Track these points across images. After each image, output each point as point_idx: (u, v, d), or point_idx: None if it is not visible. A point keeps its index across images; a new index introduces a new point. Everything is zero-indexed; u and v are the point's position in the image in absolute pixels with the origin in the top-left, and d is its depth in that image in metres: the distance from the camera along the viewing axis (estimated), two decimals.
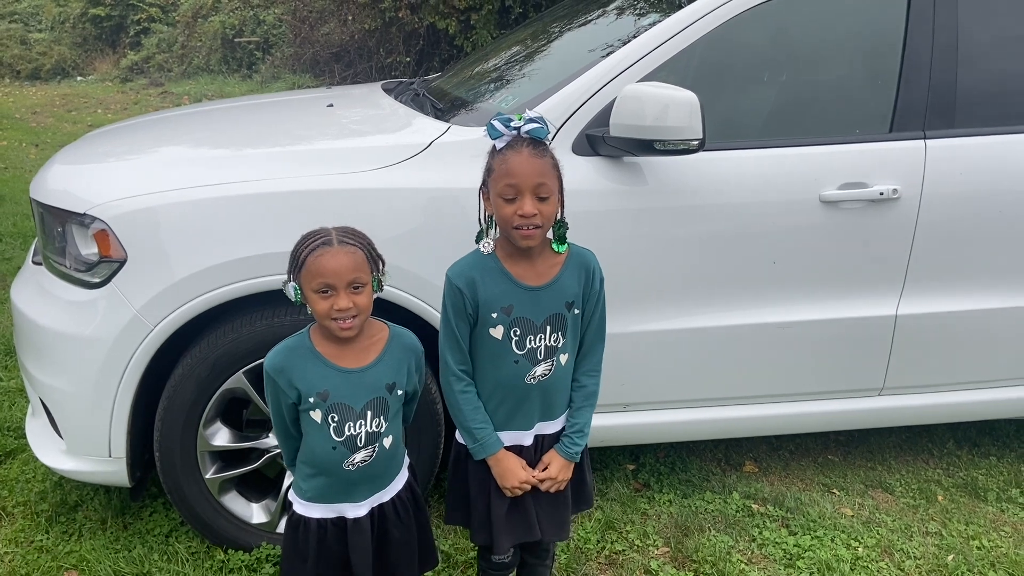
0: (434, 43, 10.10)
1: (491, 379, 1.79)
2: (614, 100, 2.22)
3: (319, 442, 1.70)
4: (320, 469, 1.73)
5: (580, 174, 2.30)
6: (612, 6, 3.00)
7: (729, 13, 2.38)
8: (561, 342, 1.78)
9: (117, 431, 2.25)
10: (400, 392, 1.74)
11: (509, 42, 3.42)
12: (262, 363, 2.19)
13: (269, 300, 2.21)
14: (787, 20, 2.50)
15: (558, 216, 1.74)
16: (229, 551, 2.39)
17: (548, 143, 1.71)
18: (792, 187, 2.40)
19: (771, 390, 2.60)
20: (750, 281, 2.45)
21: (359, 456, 1.71)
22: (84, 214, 2.18)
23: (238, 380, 2.27)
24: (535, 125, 1.65)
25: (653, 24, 2.46)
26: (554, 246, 1.76)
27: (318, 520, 1.77)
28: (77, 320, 2.21)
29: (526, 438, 1.85)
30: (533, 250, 1.73)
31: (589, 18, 3.07)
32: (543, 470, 1.86)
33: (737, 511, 2.70)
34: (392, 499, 1.80)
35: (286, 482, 2.40)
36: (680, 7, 2.46)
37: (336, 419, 1.68)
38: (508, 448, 1.83)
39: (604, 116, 2.28)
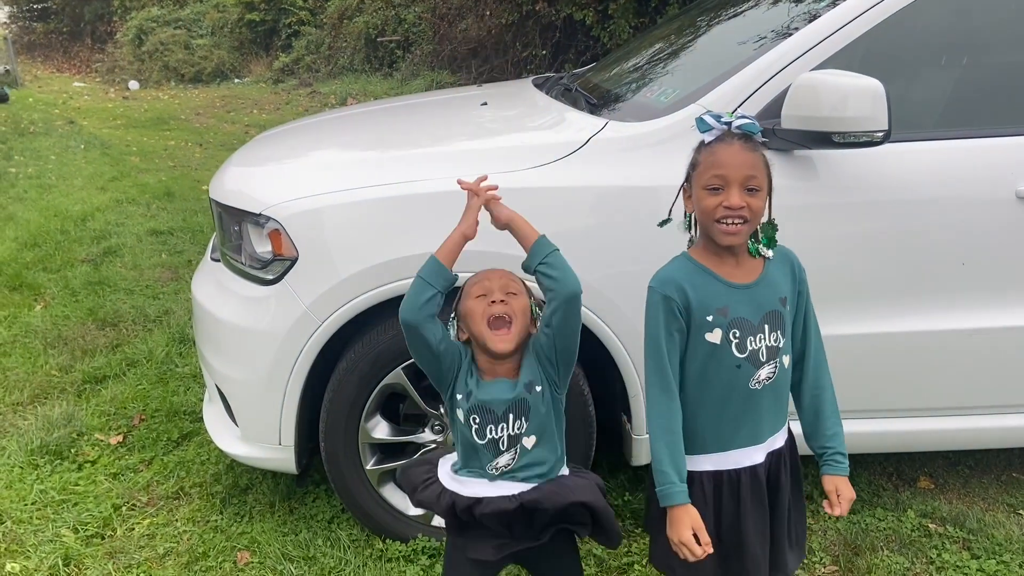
0: (570, 35, 10.07)
1: (711, 389, 1.66)
2: (786, 90, 2.10)
3: (466, 437, 1.71)
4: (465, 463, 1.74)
5: None
6: None
7: None
8: (781, 342, 1.65)
9: (287, 421, 2.35)
10: (539, 389, 1.69)
11: (657, 36, 3.32)
12: None
13: None
14: None
15: (766, 218, 1.63)
16: (387, 541, 2.46)
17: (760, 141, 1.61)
18: (985, 182, 2.19)
19: (954, 402, 2.40)
20: (934, 284, 2.26)
21: (503, 460, 1.69)
22: (259, 214, 2.28)
23: (397, 376, 2.32)
24: (747, 120, 1.58)
25: (816, 13, 2.31)
26: (751, 250, 1.64)
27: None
28: (252, 314, 2.32)
29: (757, 454, 1.70)
30: (736, 247, 1.62)
31: (740, 10, 2.93)
32: (838, 502, 1.68)
33: (913, 530, 2.51)
34: None
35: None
36: None
37: (478, 420, 1.68)
38: (739, 471, 1.68)
39: (774, 107, 2.16)
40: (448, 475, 1.77)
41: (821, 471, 1.72)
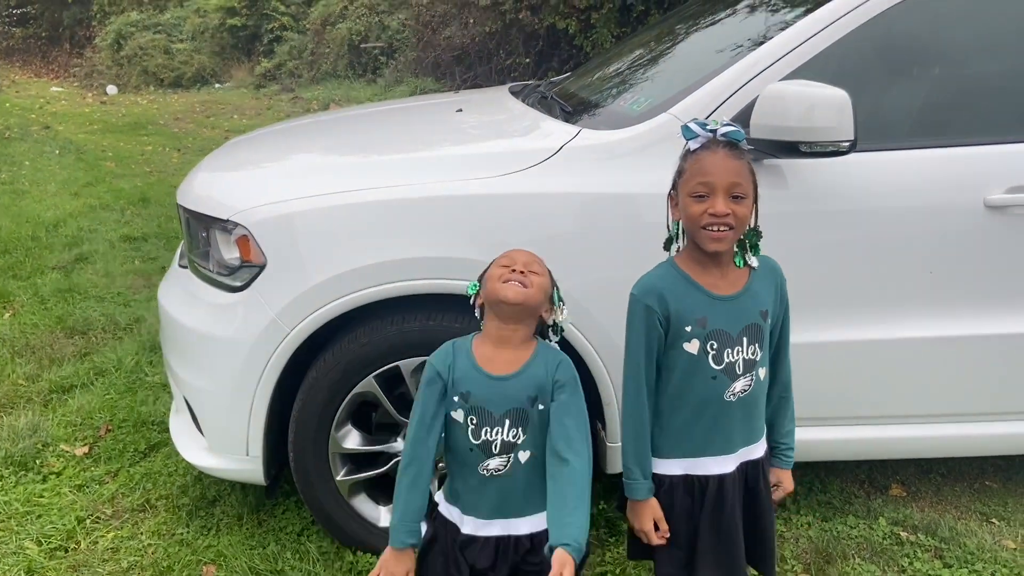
0: (553, 43, 10.10)
1: (687, 398, 1.68)
2: (754, 100, 2.11)
3: (458, 441, 1.70)
4: (456, 469, 1.75)
5: None
6: (742, 5, 2.86)
7: (884, 4, 2.21)
8: (759, 355, 1.67)
9: (255, 431, 2.31)
10: (542, 408, 1.68)
11: (635, 43, 3.32)
12: (391, 368, 2.26)
13: (399, 306, 2.22)
14: (949, 9, 2.30)
15: (751, 224, 1.65)
16: (358, 553, 2.42)
17: (745, 148, 1.65)
18: (954, 191, 2.20)
19: (926, 409, 2.40)
20: (902, 292, 2.27)
21: (493, 463, 1.69)
22: (227, 220, 2.25)
23: (368, 384, 2.29)
24: (732, 128, 1.60)
25: (790, 22, 2.32)
26: (737, 261, 1.67)
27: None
28: (219, 322, 2.29)
29: (728, 464, 1.72)
30: (721, 257, 1.64)
31: (717, 18, 2.94)
32: (775, 485, 1.83)
33: (884, 538, 2.51)
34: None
35: None
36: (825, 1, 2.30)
37: (475, 421, 1.68)
38: (707, 478, 1.72)
39: (743, 117, 2.16)
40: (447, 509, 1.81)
41: (770, 463, 1.82)
